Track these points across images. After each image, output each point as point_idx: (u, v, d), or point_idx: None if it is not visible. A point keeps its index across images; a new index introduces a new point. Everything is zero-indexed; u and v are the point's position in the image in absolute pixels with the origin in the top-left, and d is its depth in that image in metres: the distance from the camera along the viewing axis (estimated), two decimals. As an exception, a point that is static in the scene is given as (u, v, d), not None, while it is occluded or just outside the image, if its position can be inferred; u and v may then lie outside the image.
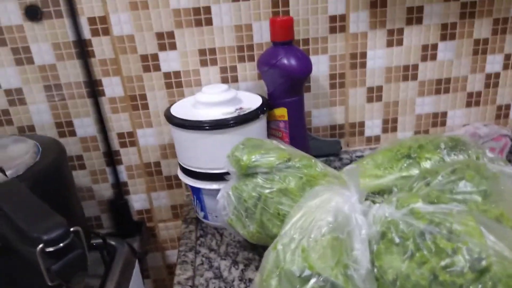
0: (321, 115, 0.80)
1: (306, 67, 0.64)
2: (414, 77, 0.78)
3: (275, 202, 0.54)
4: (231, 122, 0.61)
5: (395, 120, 0.82)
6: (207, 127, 0.61)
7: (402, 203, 0.43)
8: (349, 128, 0.82)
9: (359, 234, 0.42)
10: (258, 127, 0.64)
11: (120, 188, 0.78)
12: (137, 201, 0.81)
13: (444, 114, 0.82)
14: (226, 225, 0.59)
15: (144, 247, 0.78)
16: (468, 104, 0.82)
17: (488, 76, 0.80)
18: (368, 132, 0.82)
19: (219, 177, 0.62)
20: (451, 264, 0.37)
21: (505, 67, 0.79)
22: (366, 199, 0.47)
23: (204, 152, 0.63)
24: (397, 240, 0.40)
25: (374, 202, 0.46)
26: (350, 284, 0.42)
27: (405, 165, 0.63)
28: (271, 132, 0.71)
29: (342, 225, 0.43)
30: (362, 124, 0.81)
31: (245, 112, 0.61)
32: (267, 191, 0.54)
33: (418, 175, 0.56)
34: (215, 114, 0.62)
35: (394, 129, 0.83)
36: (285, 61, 0.63)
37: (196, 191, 0.67)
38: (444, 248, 0.37)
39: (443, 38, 0.76)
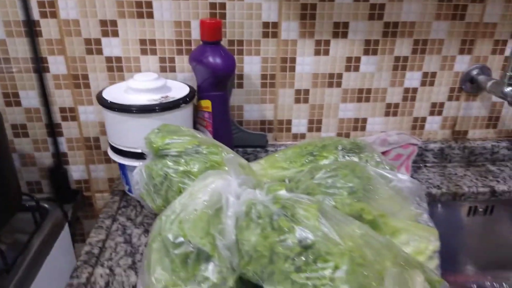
0: (252, 110, 0.87)
1: (229, 66, 0.71)
2: (338, 85, 0.86)
3: (178, 182, 0.62)
4: (156, 108, 0.68)
5: (319, 121, 0.90)
6: (134, 111, 0.68)
7: (270, 190, 0.51)
8: (278, 124, 0.90)
9: (227, 211, 0.50)
10: (181, 115, 0.72)
11: (59, 158, 0.85)
12: (76, 171, 0.88)
13: (364, 120, 0.91)
14: (139, 198, 0.67)
15: (76, 213, 0.86)
16: (387, 114, 0.90)
17: (406, 90, 0.89)
18: (294, 130, 0.91)
19: (142, 156, 0.70)
20: (284, 239, 0.45)
21: (423, 83, 0.88)
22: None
23: (130, 133, 0.70)
24: (255, 218, 0.48)
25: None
26: (216, 252, 0.50)
27: (307, 160, 0.72)
28: (198, 121, 0.78)
29: (214, 203, 0.51)
30: (289, 122, 0.90)
31: (168, 101, 0.69)
32: (172, 171, 0.62)
33: (307, 169, 0.65)
34: (142, 100, 0.69)
35: (319, 129, 0.91)
36: (210, 59, 0.70)
37: (122, 167, 0.74)
38: (283, 227, 0.46)
39: (366, 52, 0.84)
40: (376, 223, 0.58)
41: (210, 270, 0.50)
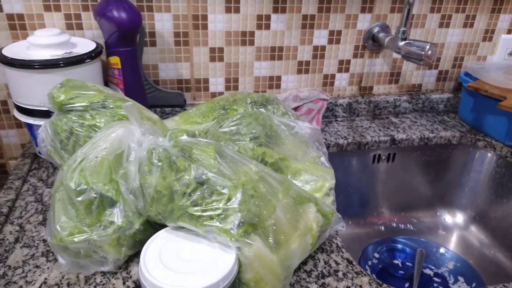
0: (167, 69, 0.88)
1: (134, 20, 0.71)
2: (251, 43, 0.89)
3: (85, 136, 0.62)
4: (59, 63, 0.67)
5: (236, 80, 0.93)
6: (35, 66, 0.66)
7: (172, 136, 0.54)
8: (195, 83, 0.91)
9: (128, 157, 0.52)
10: (88, 71, 0.71)
11: (-38, 123, 0.81)
12: (-18, 137, 0.85)
13: (279, 78, 0.95)
14: (47, 157, 0.66)
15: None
16: (299, 71, 0.95)
17: (315, 48, 0.94)
18: (212, 89, 0.93)
19: (48, 114, 0.68)
20: (181, 177, 0.48)
21: (330, 41, 0.94)
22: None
23: (34, 91, 0.69)
24: (155, 162, 0.50)
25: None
26: (120, 197, 0.52)
27: (219, 114, 0.75)
28: (109, 79, 0.78)
29: (115, 150, 0.52)
30: (206, 81, 0.91)
31: (71, 56, 0.67)
32: (77, 125, 0.61)
33: (215, 121, 0.67)
34: (45, 56, 0.67)
35: (236, 87, 0.94)
36: (115, 13, 0.69)
37: (30, 127, 0.73)
38: (180, 166, 0.48)
39: (275, 10, 0.87)
40: (278, 165, 0.63)
41: (115, 215, 0.52)
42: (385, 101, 1.02)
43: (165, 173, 0.49)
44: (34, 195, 0.68)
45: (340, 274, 0.55)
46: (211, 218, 0.47)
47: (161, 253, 0.46)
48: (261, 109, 0.74)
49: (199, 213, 0.47)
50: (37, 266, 0.54)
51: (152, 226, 0.54)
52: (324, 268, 0.56)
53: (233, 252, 0.47)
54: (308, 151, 0.68)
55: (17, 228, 0.61)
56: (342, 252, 0.59)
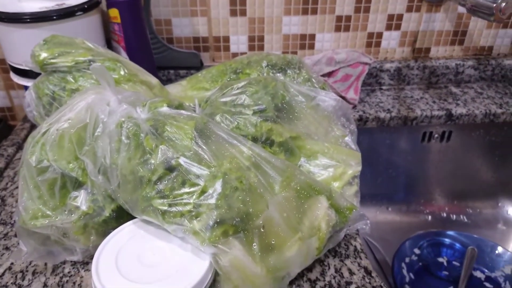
0: (182, 25, 0.77)
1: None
2: (279, -7, 0.75)
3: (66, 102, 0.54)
4: (51, 15, 0.59)
5: (261, 38, 0.80)
6: (24, 20, 0.59)
7: (150, 106, 0.44)
8: (214, 42, 0.80)
9: (95, 131, 0.43)
10: (83, 25, 0.62)
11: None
12: (-6, 98, 0.81)
13: (312, 37, 0.80)
14: (35, 122, 0.60)
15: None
16: (337, 28, 0.80)
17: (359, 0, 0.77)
18: (234, 48, 0.81)
19: (43, 75, 0.61)
20: (146, 160, 0.38)
21: (377, -9, 0.77)
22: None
23: (26, 48, 0.61)
24: (124, 139, 0.41)
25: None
26: (88, 178, 0.44)
27: (229, 79, 0.63)
28: (111, 36, 0.69)
29: (79, 121, 0.43)
30: (227, 39, 0.79)
31: (61, 8, 0.59)
32: (59, 89, 0.54)
33: (219, 87, 0.56)
34: (34, 8, 0.59)
35: (261, 47, 0.81)
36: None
37: (27, 89, 0.66)
38: (146, 146, 0.39)
39: (309, -48, 0.72)
40: (288, 145, 0.51)
41: (80, 199, 0.44)
42: (445, 67, 0.84)
43: (131, 153, 0.39)
44: (25, 163, 0.62)
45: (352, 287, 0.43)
46: (180, 214, 0.37)
47: (119, 255, 0.38)
48: (278, 74, 0.62)
49: (165, 208, 0.37)
50: (7, 248, 0.48)
51: (128, 214, 0.45)
52: (334, 278, 0.44)
53: (207, 257, 0.37)
54: (330, 129, 0.55)
55: (-1, 201, 0.56)
56: (360, 259, 0.47)
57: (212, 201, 0.37)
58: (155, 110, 0.43)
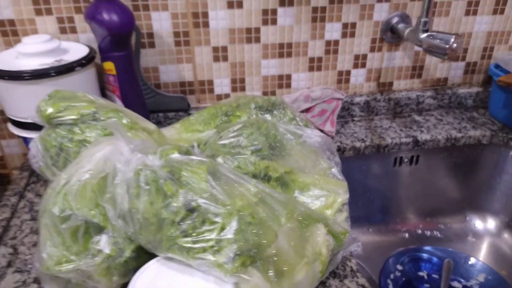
0: (169, 71, 0.83)
1: (125, 23, 0.66)
2: (257, 40, 0.83)
3: (75, 152, 0.57)
4: (50, 72, 0.63)
5: (242, 80, 0.87)
6: (23, 77, 0.62)
7: (162, 154, 0.48)
8: (199, 85, 0.86)
9: (113, 180, 0.47)
10: (81, 80, 0.66)
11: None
12: (-17, 148, 0.82)
13: (289, 77, 0.88)
14: (41, 173, 0.62)
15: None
16: (311, 69, 0.88)
17: (328, 43, 0.86)
18: (218, 90, 0.87)
19: (42, 127, 0.64)
20: (169, 204, 0.43)
21: (343, 35, 0.86)
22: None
23: (25, 103, 0.65)
24: (143, 185, 0.45)
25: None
26: (108, 223, 0.47)
27: (221, 121, 0.69)
28: (106, 86, 0.73)
29: (99, 172, 0.47)
30: (211, 83, 0.86)
31: (60, 64, 0.63)
32: (66, 141, 0.57)
33: (216, 131, 0.62)
34: (34, 65, 0.63)
35: (243, 88, 0.88)
36: (105, 15, 0.64)
37: (25, 140, 0.69)
38: (167, 191, 0.43)
39: (282, 3, 0.80)
40: (283, 180, 0.57)
41: (103, 242, 0.47)
42: (407, 98, 0.94)
43: (153, 198, 0.44)
44: (31, 212, 0.64)
45: (353, 304, 0.49)
46: (203, 250, 0.41)
47: (148, 290, 0.41)
48: (266, 115, 0.68)
49: (189, 245, 0.42)
50: (26, 295, 0.50)
51: (146, 253, 0.49)
52: (336, 297, 0.50)
53: (229, 286, 0.41)
54: (318, 162, 0.62)
55: (10, 250, 0.57)
56: (357, 277, 0.52)
57: (231, 236, 0.41)
58: (168, 157, 0.47)
